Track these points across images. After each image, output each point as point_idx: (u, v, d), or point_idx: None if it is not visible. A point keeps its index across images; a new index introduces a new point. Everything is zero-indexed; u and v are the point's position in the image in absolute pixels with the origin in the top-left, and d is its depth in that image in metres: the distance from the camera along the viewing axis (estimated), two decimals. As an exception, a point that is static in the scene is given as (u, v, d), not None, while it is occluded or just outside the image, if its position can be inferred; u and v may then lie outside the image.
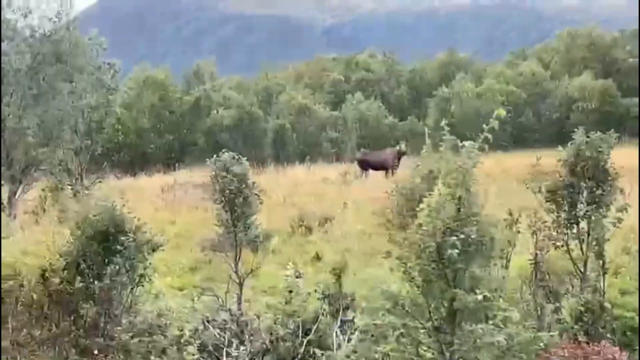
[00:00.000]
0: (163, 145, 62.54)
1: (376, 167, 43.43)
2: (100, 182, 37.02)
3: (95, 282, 14.11)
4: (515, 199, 18.44)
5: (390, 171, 41.77)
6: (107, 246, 14.18)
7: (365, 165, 43.85)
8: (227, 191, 15.36)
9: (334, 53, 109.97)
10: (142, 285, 14.39)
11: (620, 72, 79.23)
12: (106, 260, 14.13)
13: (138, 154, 60.00)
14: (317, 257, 20.24)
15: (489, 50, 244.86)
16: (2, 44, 29.49)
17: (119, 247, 14.16)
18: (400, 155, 42.61)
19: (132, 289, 14.34)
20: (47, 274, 14.45)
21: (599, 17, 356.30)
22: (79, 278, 14.23)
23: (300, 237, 23.24)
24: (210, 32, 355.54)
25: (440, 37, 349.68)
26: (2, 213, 25.76)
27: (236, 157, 15.75)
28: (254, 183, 15.66)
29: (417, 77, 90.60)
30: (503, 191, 24.60)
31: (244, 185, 15.49)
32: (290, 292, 13.76)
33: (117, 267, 14.11)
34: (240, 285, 15.54)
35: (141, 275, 14.36)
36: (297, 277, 14.17)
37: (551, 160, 14.75)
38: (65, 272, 14.27)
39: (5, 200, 28.49)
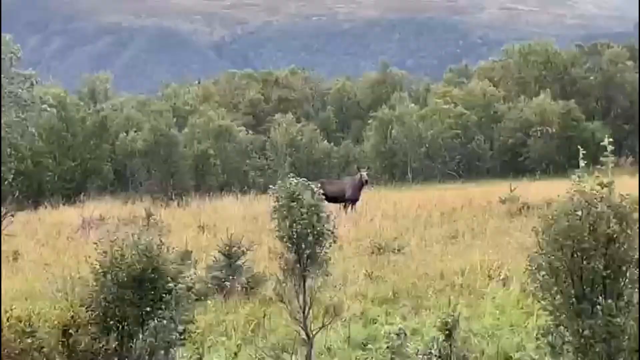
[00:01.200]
0: (62, 173, 59.88)
1: (335, 200, 41.53)
2: (12, 216, 34.99)
3: (134, 341, 12.80)
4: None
5: (351, 204, 40.12)
6: (145, 295, 12.80)
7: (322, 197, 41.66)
8: (299, 226, 13.52)
9: (225, 67, 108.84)
10: (184, 345, 13.35)
11: (579, 92, 79.55)
12: (143, 312, 12.75)
13: (33, 183, 57.26)
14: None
15: (402, 66, 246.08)
16: None
17: (163, 296, 12.80)
18: (362, 185, 40.94)
19: (174, 349, 13.07)
20: (70, 330, 12.86)
21: (522, 33, 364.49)
22: (111, 336, 12.85)
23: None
24: (82, 45, 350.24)
25: (346, 52, 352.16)
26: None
27: (304, 182, 13.94)
28: (328, 216, 13.83)
29: (345, 97, 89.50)
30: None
31: (315, 219, 13.67)
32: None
33: (162, 322, 12.74)
34: (310, 344, 13.76)
35: (183, 332, 13.05)
36: (399, 334, 12.71)
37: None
38: (93, 327, 12.84)
39: None
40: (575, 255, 10.21)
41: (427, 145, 73.08)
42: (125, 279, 12.77)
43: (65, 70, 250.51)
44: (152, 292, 12.82)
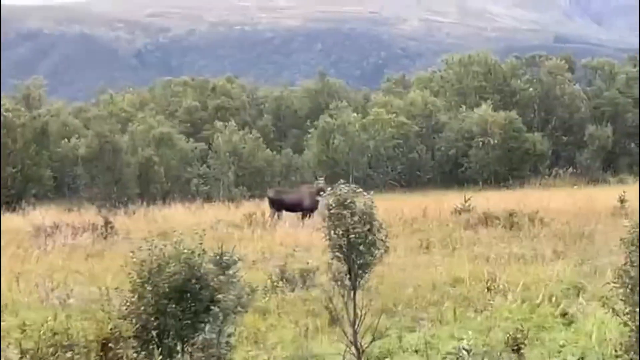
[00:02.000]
0: (2, 180, 58.18)
1: (292, 208, 40.61)
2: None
3: (177, 355, 12.06)
4: None
5: (309, 213, 39.18)
6: (188, 307, 12.03)
7: (279, 205, 40.79)
8: (352, 235, 12.65)
9: (148, 75, 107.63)
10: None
11: (519, 103, 79.75)
12: (185, 325, 12.01)
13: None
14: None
15: (330, 74, 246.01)
16: None
17: (210, 308, 12.10)
18: (319, 193, 39.80)
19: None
20: (110, 344, 12.03)
21: (443, 45, 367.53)
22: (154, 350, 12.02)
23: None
24: (2, 51, 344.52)
25: (269, 61, 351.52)
26: None
27: (355, 188, 13.08)
28: (381, 224, 12.97)
29: (282, 106, 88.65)
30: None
31: (368, 227, 12.82)
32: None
33: (211, 336, 12.10)
34: (359, 358, 12.91)
35: (226, 344, 12.37)
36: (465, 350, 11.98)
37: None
38: (134, 340, 11.98)
39: None
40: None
41: (369, 155, 72.57)
42: (167, 289, 11.95)
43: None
44: (195, 304, 12.03)
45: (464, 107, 77.75)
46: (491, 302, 19.19)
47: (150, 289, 12.13)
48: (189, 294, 12.09)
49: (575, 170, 71.46)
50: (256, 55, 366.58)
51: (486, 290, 20.55)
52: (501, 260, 23.44)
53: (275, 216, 39.33)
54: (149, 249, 12.65)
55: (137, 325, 12.06)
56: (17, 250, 30.44)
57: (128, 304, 12.24)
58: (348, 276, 12.84)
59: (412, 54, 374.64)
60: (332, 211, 12.85)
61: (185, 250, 12.48)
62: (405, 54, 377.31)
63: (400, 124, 74.42)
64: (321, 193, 39.79)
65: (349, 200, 12.90)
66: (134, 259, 12.58)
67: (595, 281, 20.05)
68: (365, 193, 13.09)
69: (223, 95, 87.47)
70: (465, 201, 38.98)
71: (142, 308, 12.06)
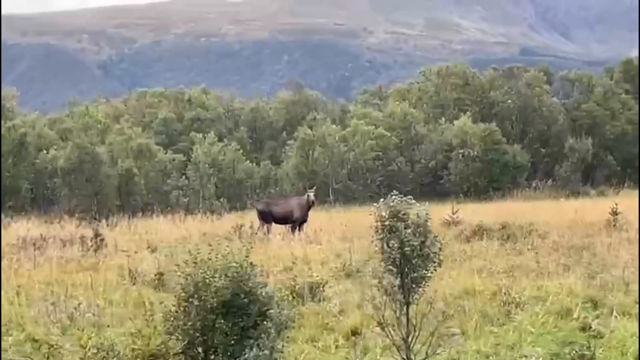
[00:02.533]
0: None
1: (282, 220, 40.03)
2: None
3: None
4: None
5: (299, 225, 38.71)
6: (236, 323, 11.77)
7: (268, 217, 40.12)
8: (407, 248, 12.25)
9: (113, 86, 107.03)
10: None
11: (497, 115, 79.71)
12: (232, 341, 11.72)
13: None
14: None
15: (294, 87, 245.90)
16: None
17: (259, 323, 11.85)
18: (310, 205, 39.45)
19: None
20: None
21: (409, 57, 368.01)
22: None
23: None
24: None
25: (236, 73, 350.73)
26: None
27: (409, 200, 12.69)
28: (436, 237, 12.58)
29: (258, 118, 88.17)
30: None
31: (422, 240, 12.44)
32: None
33: (264, 352, 11.85)
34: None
35: None
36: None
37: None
38: (181, 357, 11.91)
39: None
40: None
41: (348, 167, 72.21)
42: (215, 304, 11.63)
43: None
44: (243, 319, 11.73)
45: (443, 118, 77.51)
46: (511, 315, 18.86)
47: (198, 303, 11.73)
48: (237, 309, 11.72)
49: (554, 183, 71.37)
50: (223, 66, 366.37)
51: (502, 303, 20.22)
52: (508, 274, 23.08)
53: (265, 228, 38.82)
54: (195, 262, 12.23)
55: (185, 342, 11.67)
56: (7, 263, 29.81)
57: (172, 319, 11.87)
58: (401, 290, 12.48)
59: (379, 66, 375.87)
60: (385, 223, 12.48)
61: (234, 263, 12.07)
62: (372, 65, 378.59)
63: (380, 135, 74.04)
64: (312, 204, 39.45)
65: (402, 212, 12.54)
66: (178, 273, 12.17)
67: (610, 295, 19.81)
68: (421, 207, 12.74)
69: (199, 106, 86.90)
70: (454, 213, 38.69)
71: (190, 324, 11.66)
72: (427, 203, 14.34)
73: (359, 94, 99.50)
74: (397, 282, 12.54)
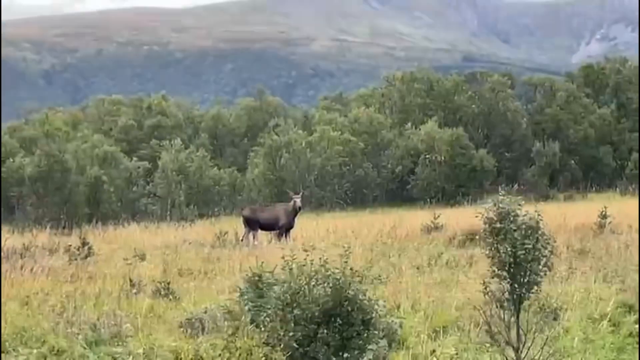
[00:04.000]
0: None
1: (268, 227, 39.11)
2: None
3: None
4: None
5: (285, 232, 37.81)
6: (337, 332, 11.15)
7: (254, 223, 39.13)
8: (521, 252, 11.51)
9: (56, 96, 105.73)
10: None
11: (462, 120, 79.50)
12: (335, 351, 11.10)
13: None
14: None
15: (234, 96, 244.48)
16: None
17: (367, 332, 11.20)
18: (296, 212, 38.60)
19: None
20: None
21: (353, 64, 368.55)
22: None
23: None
24: None
25: (179, 81, 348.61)
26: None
27: (517, 199, 11.99)
28: (548, 238, 11.86)
29: (219, 124, 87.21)
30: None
31: (534, 242, 11.72)
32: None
33: None
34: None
35: None
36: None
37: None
38: None
39: None
40: None
41: (315, 173, 71.46)
42: (316, 313, 11.01)
43: None
44: (346, 329, 11.09)
45: (409, 124, 77.07)
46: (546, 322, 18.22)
47: (299, 312, 11.01)
48: (339, 318, 11.01)
49: (521, 187, 71.16)
50: (166, 75, 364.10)
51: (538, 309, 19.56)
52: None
53: (251, 235, 37.96)
54: (290, 270, 11.54)
55: (288, 353, 10.94)
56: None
57: (269, 330, 11.15)
58: (512, 296, 11.73)
59: (323, 73, 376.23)
60: (495, 225, 11.75)
61: (336, 270, 11.40)
62: (316, 73, 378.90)
63: (346, 141, 73.41)
64: (298, 210, 38.58)
65: (513, 213, 11.81)
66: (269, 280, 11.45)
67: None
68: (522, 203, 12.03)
69: (159, 113, 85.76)
70: (435, 218, 38.15)
71: (291, 334, 10.91)
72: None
73: (320, 99, 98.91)
74: (507, 288, 11.78)
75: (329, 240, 33.76)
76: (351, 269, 11.40)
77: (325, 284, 11.10)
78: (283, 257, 11.64)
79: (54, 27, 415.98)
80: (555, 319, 18.18)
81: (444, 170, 71.97)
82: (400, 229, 38.01)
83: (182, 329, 17.86)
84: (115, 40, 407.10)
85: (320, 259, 11.51)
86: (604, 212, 34.53)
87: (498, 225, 11.75)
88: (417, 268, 26.12)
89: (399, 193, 74.29)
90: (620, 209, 38.13)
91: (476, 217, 12.29)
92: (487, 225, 11.85)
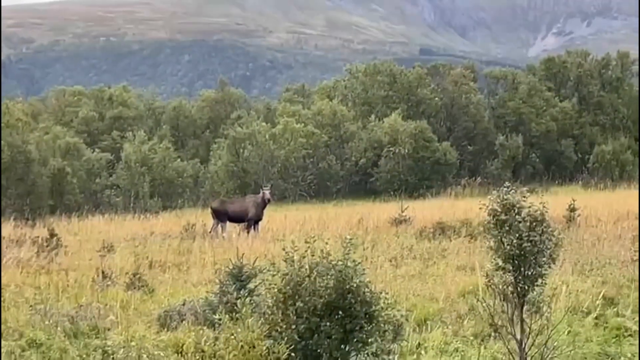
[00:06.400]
0: None
1: (237, 219, 39.08)
2: None
3: None
4: None
5: (254, 224, 37.80)
6: (340, 324, 11.07)
7: (223, 216, 39.07)
8: (527, 244, 11.44)
9: (11, 87, 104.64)
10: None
11: (425, 113, 79.52)
12: (337, 344, 10.98)
13: None
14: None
15: (191, 87, 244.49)
16: None
17: (370, 325, 11.12)
18: (265, 204, 38.60)
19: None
20: None
21: (310, 57, 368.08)
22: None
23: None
24: None
25: (135, 73, 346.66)
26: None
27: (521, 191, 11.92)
28: (553, 230, 11.79)
29: (181, 116, 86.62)
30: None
31: (539, 234, 11.65)
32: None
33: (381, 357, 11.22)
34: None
35: None
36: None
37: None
38: None
39: None
40: None
41: (279, 165, 71.18)
42: (319, 305, 10.91)
43: None
44: (349, 321, 11.01)
45: (372, 116, 76.96)
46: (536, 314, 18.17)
47: (302, 305, 10.87)
48: (341, 310, 10.89)
49: (485, 180, 71.21)
50: (122, 66, 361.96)
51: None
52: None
53: (219, 227, 37.84)
54: (292, 262, 11.36)
55: (291, 346, 10.79)
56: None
57: (270, 322, 10.99)
58: (516, 289, 11.64)
59: (280, 66, 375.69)
60: (499, 217, 11.66)
61: (339, 262, 11.25)
62: (273, 65, 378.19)
63: (310, 133, 73.16)
64: (267, 202, 38.52)
65: (518, 205, 11.73)
66: (272, 272, 11.29)
67: (619, 293, 19.47)
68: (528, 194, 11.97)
69: (120, 105, 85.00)
70: (402, 211, 38.20)
71: (294, 327, 10.77)
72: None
73: (283, 91, 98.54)
74: (511, 280, 11.70)
75: (299, 233, 33.65)
76: (354, 260, 11.25)
77: (328, 276, 10.95)
78: (284, 249, 11.42)
79: (8, 18, 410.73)
80: (537, 312, 18.17)
81: (408, 163, 71.95)
82: (368, 222, 38.04)
83: (159, 322, 17.68)
84: (71, 31, 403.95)
85: (322, 250, 11.34)
86: (572, 205, 34.61)
87: (503, 217, 11.66)
88: (391, 260, 26.09)
89: (362, 185, 74.25)
90: (587, 202, 38.40)
91: (480, 208, 12.22)
92: (491, 217, 11.77)
